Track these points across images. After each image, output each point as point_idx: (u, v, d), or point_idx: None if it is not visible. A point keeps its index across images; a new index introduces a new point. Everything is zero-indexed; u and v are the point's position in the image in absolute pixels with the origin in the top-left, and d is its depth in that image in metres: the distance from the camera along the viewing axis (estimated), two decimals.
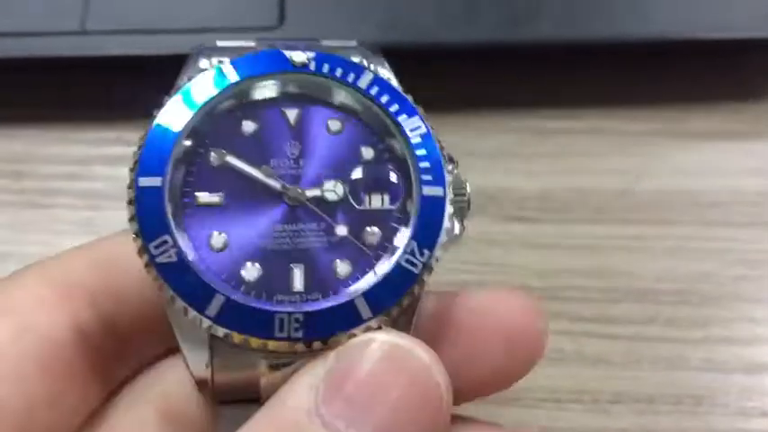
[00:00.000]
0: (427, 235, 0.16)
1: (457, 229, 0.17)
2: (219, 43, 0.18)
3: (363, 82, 0.17)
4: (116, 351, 0.16)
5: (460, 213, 0.17)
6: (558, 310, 0.29)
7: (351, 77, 0.17)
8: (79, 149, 0.33)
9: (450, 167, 0.17)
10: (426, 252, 0.16)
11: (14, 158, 0.32)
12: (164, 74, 0.32)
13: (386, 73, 0.18)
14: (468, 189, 0.17)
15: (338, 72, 0.17)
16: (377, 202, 0.17)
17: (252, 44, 0.18)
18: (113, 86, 0.33)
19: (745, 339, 0.28)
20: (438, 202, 0.16)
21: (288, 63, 0.17)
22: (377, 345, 0.15)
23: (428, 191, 0.16)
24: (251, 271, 0.16)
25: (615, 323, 0.28)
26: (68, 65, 0.32)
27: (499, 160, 0.33)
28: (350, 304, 0.16)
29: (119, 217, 0.30)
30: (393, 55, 0.33)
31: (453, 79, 0.33)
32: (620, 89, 0.34)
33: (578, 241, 0.30)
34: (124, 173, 0.32)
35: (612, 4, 0.33)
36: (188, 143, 0.17)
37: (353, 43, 0.18)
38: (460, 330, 0.17)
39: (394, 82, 0.18)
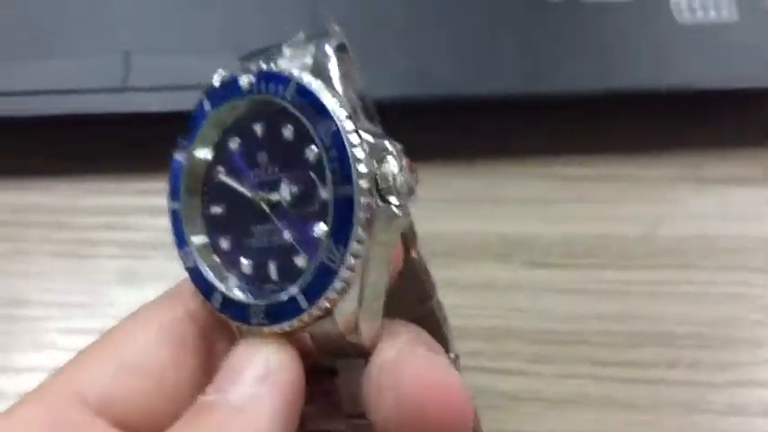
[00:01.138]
0: (341, 233, 0.17)
1: (385, 215, 0.18)
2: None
3: (289, 92, 0.18)
4: (216, 327, 0.20)
5: (385, 197, 0.18)
6: (584, 354, 0.30)
7: (280, 91, 0.18)
8: (118, 200, 0.34)
9: (386, 151, 0.18)
10: (341, 249, 0.17)
11: (55, 210, 0.34)
12: None
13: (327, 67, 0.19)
14: (396, 170, 0.18)
15: (271, 88, 0.18)
16: (318, 200, 0.18)
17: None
18: (151, 139, 0.35)
19: (765, 383, 0.29)
20: (347, 200, 0.17)
21: (239, 88, 0.19)
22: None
23: (338, 191, 0.17)
24: (245, 266, 0.19)
25: (638, 367, 0.29)
26: (109, 120, 0.34)
27: (524, 207, 0.34)
28: (295, 298, 0.18)
29: (159, 266, 0.32)
30: (414, 108, 0.35)
31: (478, 130, 0.35)
32: (639, 136, 0.35)
33: (602, 286, 0.31)
34: (163, 223, 0.33)
35: (631, 56, 0.35)
36: (198, 168, 0.20)
37: (301, 36, 0.19)
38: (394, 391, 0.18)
39: (332, 73, 0.19)
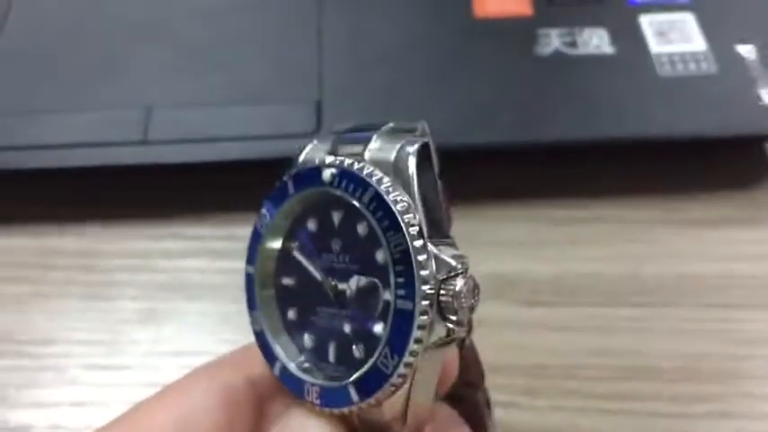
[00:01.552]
0: (398, 345, 0.18)
1: (443, 333, 0.18)
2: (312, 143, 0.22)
3: (366, 197, 0.19)
4: (273, 390, 0.22)
5: (446, 315, 0.18)
6: (574, 388, 0.32)
7: (358, 193, 0.19)
8: (141, 244, 0.37)
9: (454, 271, 0.19)
10: (396, 359, 0.18)
11: (83, 253, 0.37)
12: (215, 175, 0.37)
13: (408, 171, 0.19)
14: (462, 291, 0.18)
15: (350, 188, 0.19)
16: (380, 303, 0.19)
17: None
18: (171, 187, 0.38)
19: (743, 414, 0.30)
20: (408, 316, 0.18)
21: (321, 179, 0.20)
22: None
23: (401, 305, 0.18)
24: (307, 341, 0.21)
25: (625, 399, 0.31)
26: (132, 171, 0.37)
27: (514, 248, 0.36)
28: (346, 387, 0.19)
29: (175, 306, 0.34)
30: None
31: (471, 175, 0.37)
32: (624, 181, 0.37)
33: (590, 323, 0.33)
34: (182, 265, 0.36)
35: (615, 107, 0.37)
36: (271, 239, 0.22)
37: (390, 126, 0.21)
38: None
39: (412, 175, 0.19)
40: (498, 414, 0.31)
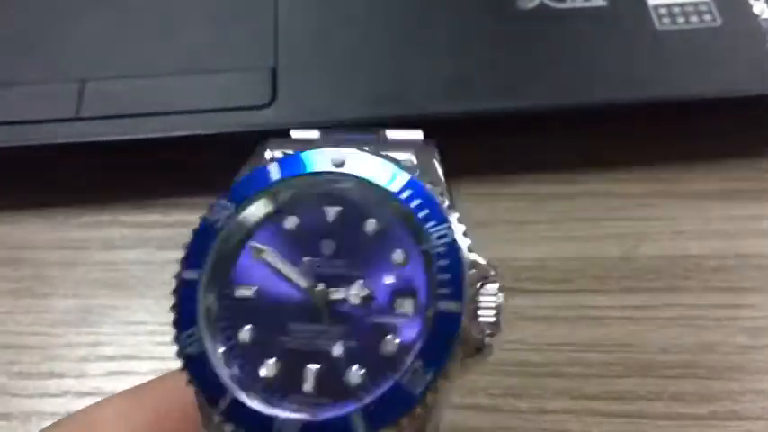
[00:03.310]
0: (436, 354, 0.15)
1: (479, 342, 0.16)
2: (293, 134, 0.19)
3: (396, 185, 0.17)
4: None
5: (485, 329, 0.16)
6: (561, 387, 0.28)
7: (383, 180, 0.17)
8: (77, 234, 0.33)
9: (488, 275, 0.17)
10: (431, 373, 0.15)
11: (10, 245, 0.33)
12: (156, 154, 0.33)
13: (434, 169, 0.18)
14: (501, 301, 0.17)
15: (371, 175, 0.17)
16: (400, 310, 0.16)
17: (316, 136, 0.19)
18: (110, 169, 0.34)
19: (753, 413, 0.27)
20: (453, 319, 0.15)
21: (320, 165, 0.17)
22: None
23: (444, 306, 0.15)
24: (270, 368, 0.17)
25: (620, 399, 0.28)
26: (65, 151, 0.33)
27: (491, 228, 0.32)
28: (347, 418, 0.15)
29: (115, 305, 0.31)
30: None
31: (443, 147, 0.33)
32: (616, 151, 0.33)
33: (578, 312, 0.30)
34: (123, 257, 0.32)
35: (608, 67, 0.33)
36: (232, 238, 0.18)
37: (419, 136, 0.19)
38: None
39: (439, 179, 0.18)
40: (475, 420, 0.28)
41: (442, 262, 0.16)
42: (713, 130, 0.33)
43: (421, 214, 0.16)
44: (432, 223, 0.16)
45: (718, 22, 0.34)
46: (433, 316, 0.15)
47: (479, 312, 0.16)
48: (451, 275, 0.16)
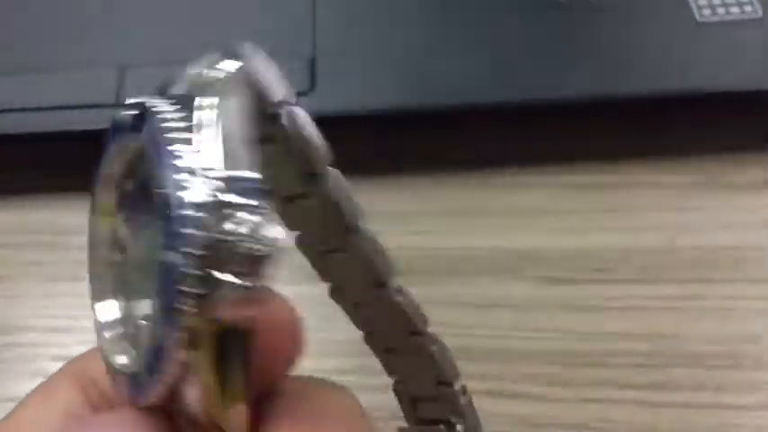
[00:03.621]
0: (167, 306, 0.13)
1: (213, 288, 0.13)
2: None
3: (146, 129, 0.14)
4: None
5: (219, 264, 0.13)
6: (605, 377, 0.28)
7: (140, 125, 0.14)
8: None
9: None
10: (169, 324, 0.13)
11: (48, 230, 0.33)
12: None
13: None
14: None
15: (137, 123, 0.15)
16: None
17: None
18: None
19: None
20: (170, 270, 0.13)
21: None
22: None
23: (163, 256, 0.13)
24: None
25: (663, 389, 0.27)
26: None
27: (533, 219, 0.32)
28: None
29: None
30: (417, 117, 0.33)
31: (482, 137, 0.33)
32: (658, 141, 0.33)
33: (620, 303, 0.30)
34: None
35: (647, 58, 0.33)
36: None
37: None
38: None
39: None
40: (521, 409, 0.27)
41: (162, 203, 0.13)
42: (755, 122, 0.33)
43: (152, 156, 0.14)
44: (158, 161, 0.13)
45: (759, 13, 0.34)
46: (158, 270, 0.13)
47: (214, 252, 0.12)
48: (166, 223, 0.13)
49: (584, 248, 0.31)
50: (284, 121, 0.15)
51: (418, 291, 0.31)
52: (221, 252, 0.12)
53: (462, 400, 0.19)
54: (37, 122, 0.33)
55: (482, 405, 0.27)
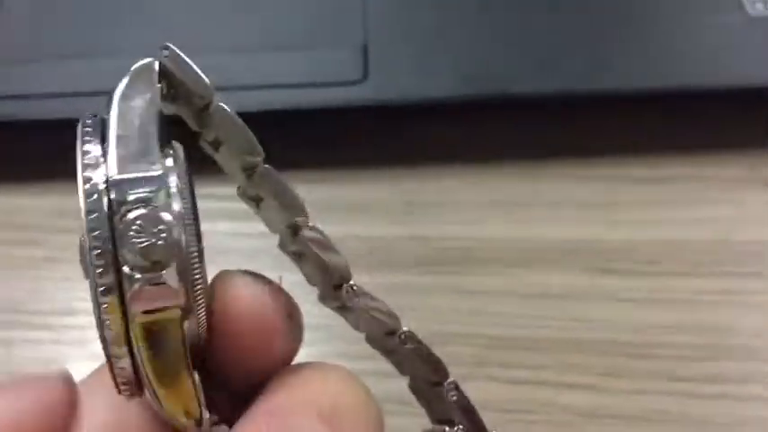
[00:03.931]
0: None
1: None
2: None
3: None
4: None
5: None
6: (657, 369, 0.28)
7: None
8: None
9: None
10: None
11: None
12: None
13: None
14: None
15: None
16: None
17: None
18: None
19: None
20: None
21: None
22: None
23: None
24: None
25: (714, 382, 0.28)
26: None
27: (584, 211, 0.32)
28: None
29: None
30: (469, 107, 0.33)
31: (534, 128, 0.33)
32: (710, 134, 0.33)
33: (671, 295, 0.30)
34: (213, 228, 0.32)
35: (699, 51, 0.33)
36: None
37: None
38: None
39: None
40: (571, 399, 0.28)
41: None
42: None
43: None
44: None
45: None
46: None
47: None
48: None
49: (635, 241, 0.31)
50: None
51: (469, 280, 0.31)
52: (122, 248, 0.13)
53: (452, 398, 0.18)
54: (80, 108, 0.33)
55: (534, 395, 0.28)
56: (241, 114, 0.36)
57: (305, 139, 0.34)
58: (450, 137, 0.33)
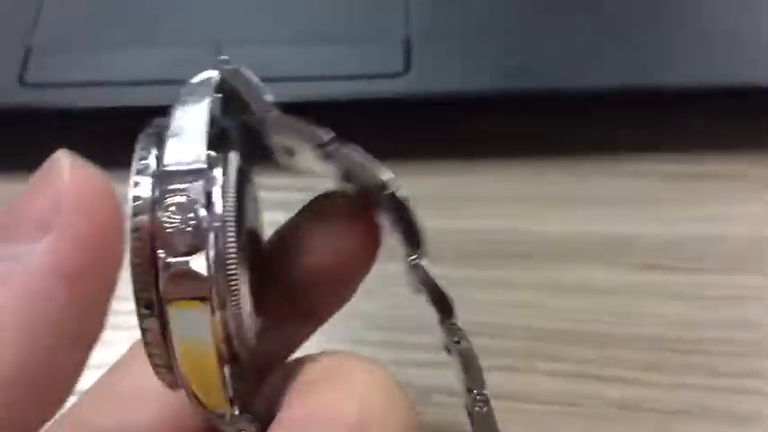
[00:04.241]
0: None
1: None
2: None
3: None
4: None
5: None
6: (699, 364, 0.28)
7: None
8: None
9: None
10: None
11: None
12: None
13: None
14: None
15: None
16: None
17: None
18: None
19: None
20: None
21: None
22: None
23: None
24: None
25: (760, 378, 0.28)
26: None
27: (624, 207, 0.32)
28: None
29: None
30: (511, 102, 0.33)
31: (581, 124, 0.33)
32: (750, 131, 0.33)
33: (715, 291, 0.30)
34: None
35: (740, 47, 0.33)
36: None
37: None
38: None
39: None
40: (614, 392, 0.28)
41: None
42: None
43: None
44: None
45: None
46: None
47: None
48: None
49: (676, 237, 0.31)
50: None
51: (512, 274, 0.31)
52: (158, 236, 0.14)
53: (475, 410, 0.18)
54: (134, 97, 0.33)
55: (577, 388, 0.28)
56: (280, 105, 0.36)
57: (344, 132, 0.34)
58: (493, 130, 0.33)
